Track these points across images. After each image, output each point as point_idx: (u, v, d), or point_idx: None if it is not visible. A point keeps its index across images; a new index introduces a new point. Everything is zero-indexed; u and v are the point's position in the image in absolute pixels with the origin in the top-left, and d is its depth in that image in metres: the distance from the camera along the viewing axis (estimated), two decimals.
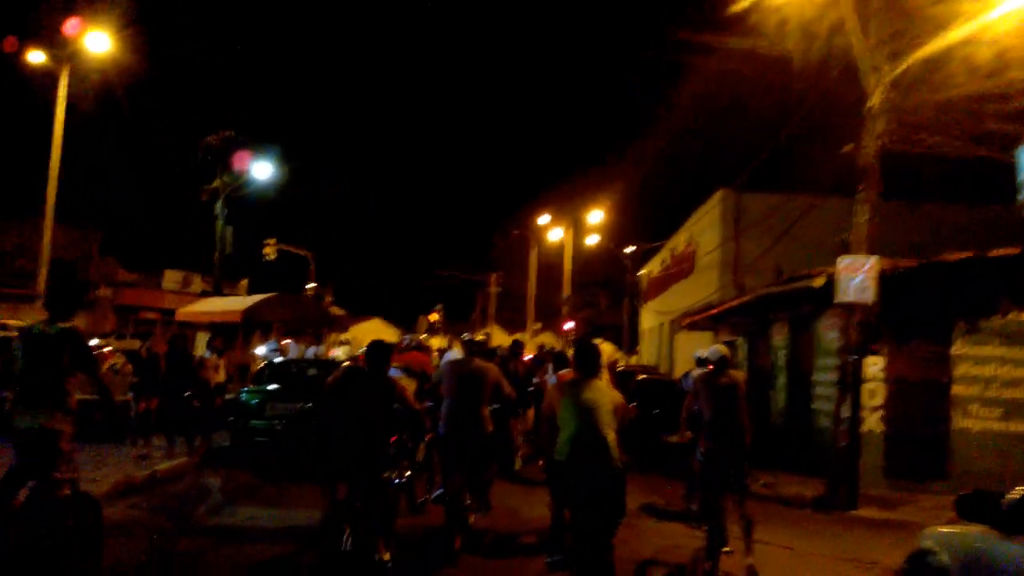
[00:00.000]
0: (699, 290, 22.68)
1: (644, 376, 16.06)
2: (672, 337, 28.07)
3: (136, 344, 14.00)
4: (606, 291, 46.13)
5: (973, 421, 11.28)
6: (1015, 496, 4.39)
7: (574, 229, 38.81)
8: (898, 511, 10.02)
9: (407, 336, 11.21)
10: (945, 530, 5.21)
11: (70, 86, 19.56)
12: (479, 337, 8.36)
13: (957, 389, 11.37)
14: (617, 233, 37.76)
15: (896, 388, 11.42)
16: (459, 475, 7.05)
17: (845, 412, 10.19)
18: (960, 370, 11.38)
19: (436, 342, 26.58)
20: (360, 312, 46.15)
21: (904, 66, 9.72)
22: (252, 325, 20.21)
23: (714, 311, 17.51)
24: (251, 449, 11.10)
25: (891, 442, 11.30)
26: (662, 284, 30.96)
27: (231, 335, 18.19)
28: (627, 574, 6.45)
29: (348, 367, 6.79)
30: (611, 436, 5.25)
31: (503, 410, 8.91)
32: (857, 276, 9.83)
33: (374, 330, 38.75)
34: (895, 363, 11.46)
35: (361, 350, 8.05)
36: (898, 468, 11.25)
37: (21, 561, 4.94)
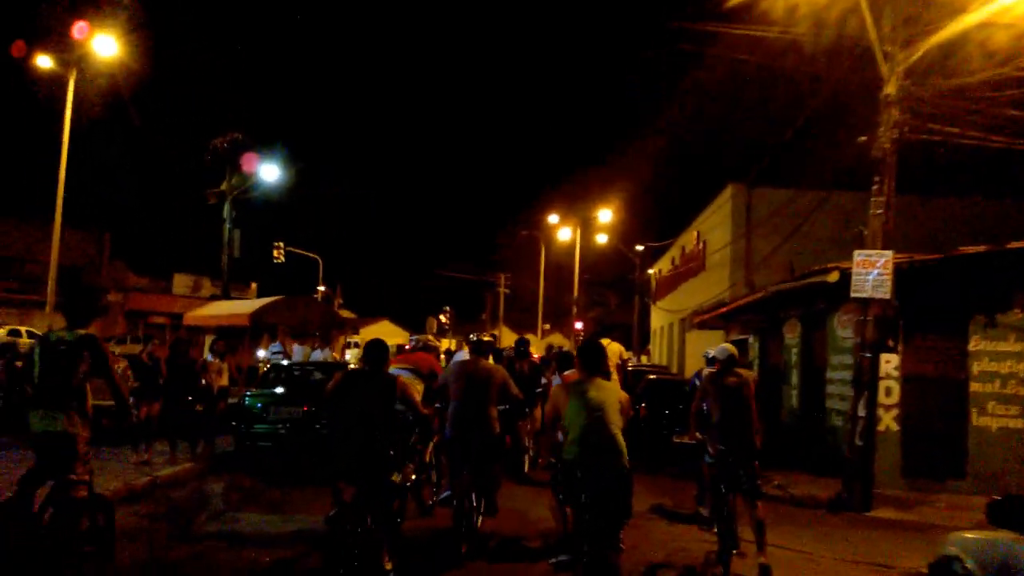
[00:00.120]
0: (709, 288, 22.47)
1: (654, 376, 15.85)
2: (683, 336, 27.88)
3: (137, 349, 13.92)
4: (615, 290, 46.01)
5: (991, 419, 11.04)
6: None
7: (583, 228, 38.71)
8: (915, 512, 9.83)
9: (415, 337, 11.06)
10: (971, 536, 4.96)
11: (78, 90, 19.58)
12: (487, 337, 8.19)
13: (974, 386, 11.12)
14: (626, 232, 37.67)
15: (912, 385, 11.19)
16: (466, 477, 6.95)
17: (861, 410, 9.97)
18: (977, 366, 11.13)
19: (445, 343, 26.50)
20: (368, 314, 46.20)
21: (920, 53, 9.51)
22: (260, 328, 20.19)
23: (725, 309, 17.31)
24: (255, 453, 11.00)
25: (907, 441, 11.08)
26: (672, 283, 30.76)
27: (237, 338, 18.13)
28: None
29: (347, 372, 6.68)
30: (619, 435, 5.21)
31: (512, 411, 8.76)
32: (873, 271, 9.63)
33: (384, 332, 38.79)
34: (910, 359, 11.23)
35: None
36: (914, 467, 11.03)
37: (37, 559, 5.03)
